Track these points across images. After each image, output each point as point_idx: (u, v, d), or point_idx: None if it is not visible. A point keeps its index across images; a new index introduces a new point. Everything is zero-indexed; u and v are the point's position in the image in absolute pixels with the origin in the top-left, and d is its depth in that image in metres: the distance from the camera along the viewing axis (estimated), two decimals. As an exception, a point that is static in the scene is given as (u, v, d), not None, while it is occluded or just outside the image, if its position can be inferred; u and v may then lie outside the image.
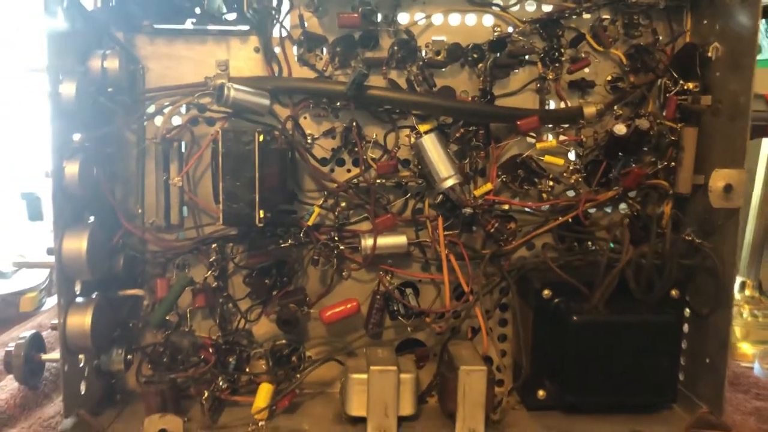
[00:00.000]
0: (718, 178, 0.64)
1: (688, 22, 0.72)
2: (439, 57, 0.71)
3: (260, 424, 0.68)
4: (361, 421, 0.67)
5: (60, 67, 0.62)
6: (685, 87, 0.70)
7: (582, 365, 0.68)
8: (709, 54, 0.69)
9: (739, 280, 1.02)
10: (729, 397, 0.75)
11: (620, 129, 0.69)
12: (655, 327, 0.68)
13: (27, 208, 1.24)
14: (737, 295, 1.01)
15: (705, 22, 0.70)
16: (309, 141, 0.72)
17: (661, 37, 0.73)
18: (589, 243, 0.74)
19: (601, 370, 0.68)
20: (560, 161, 0.73)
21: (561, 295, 0.69)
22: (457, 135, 0.73)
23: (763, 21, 0.80)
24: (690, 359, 0.73)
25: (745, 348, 0.92)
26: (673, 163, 0.72)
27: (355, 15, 0.69)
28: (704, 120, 0.70)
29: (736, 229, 0.65)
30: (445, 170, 0.69)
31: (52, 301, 1.08)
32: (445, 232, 0.73)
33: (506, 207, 0.74)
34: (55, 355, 0.66)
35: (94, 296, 0.67)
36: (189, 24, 0.71)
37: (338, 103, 0.71)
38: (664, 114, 0.71)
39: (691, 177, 0.70)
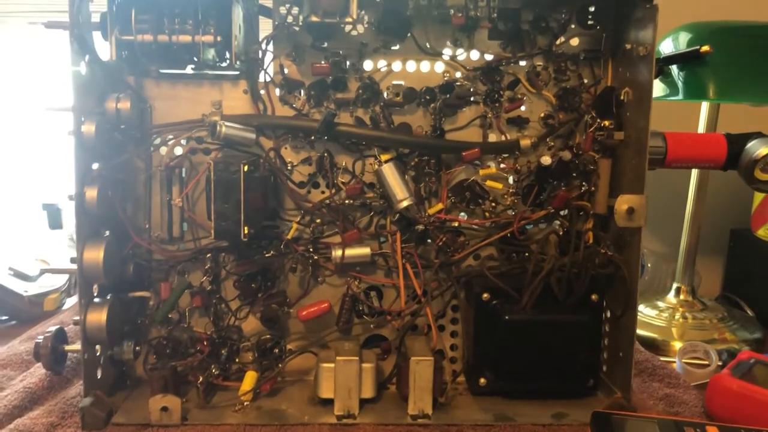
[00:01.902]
0: (623, 202, 0.76)
1: (608, 68, 0.83)
2: (398, 98, 0.82)
3: (246, 404, 0.78)
4: (330, 402, 0.78)
5: (82, 109, 0.73)
6: (603, 124, 0.82)
7: (514, 357, 0.80)
8: (622, 97, 0.80)
9: (675, 285, 1.14)
10: (645, 386, 0.87)
11: (546, 160, 0.82)
12: (573, 325, 0.80)
13: (48, 218, 1.36)
14: (673, 300, 1.13)
15: (620, 69, 0.82)
16: (289, 168, 0.84)
17: (586, 81, 0.84)
18: (526, 254, 0.85)
19: (530, 361, 0.80)
20: (500, 185, 0.84)
21: (497, 297, 0.80)
22: (413, 163, 0.84)
23: (676, 67, 0.93)
24: (609, 353, 0.85)
25: (678, 347, 1.03)
26: (594, 188, 0.84)
27: (326, 65, 0.81)
28: (618, 152, 0.81)
29: (638, 245, 0.77)
30: (401, 193, 0.81)
31: (71, 302, 1.18)
32: (402, 245, 0.84)
33: (455, 224, 0.85)
34: (76, 346, 0.77)
35: (108, 297, 0.77)
36: (189, 70, 0.82)
37: (313, 137, 0.83)
38: (583, 146, 0.83)
39: (606, 200, 0.81)
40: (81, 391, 0.77)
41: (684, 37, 0.95)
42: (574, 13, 0.83)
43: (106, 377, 0.79)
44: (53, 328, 0.79)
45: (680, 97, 0.93)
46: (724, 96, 0.91)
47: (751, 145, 0.79)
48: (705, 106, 1.05)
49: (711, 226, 1.17)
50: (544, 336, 0.80)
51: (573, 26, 0.83)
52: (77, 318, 0.75)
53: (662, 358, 0.97)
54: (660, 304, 1.13)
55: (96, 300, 0.77)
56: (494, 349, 0.81)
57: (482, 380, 0.82)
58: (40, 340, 0.78)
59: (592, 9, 0.82)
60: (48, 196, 1.37)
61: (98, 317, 0.75)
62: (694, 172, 1.08)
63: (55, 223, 1.35)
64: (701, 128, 1.06)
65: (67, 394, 0.81)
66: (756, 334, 1.07)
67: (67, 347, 0.80)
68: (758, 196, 1.19)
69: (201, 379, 0.80)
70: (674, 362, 0.96)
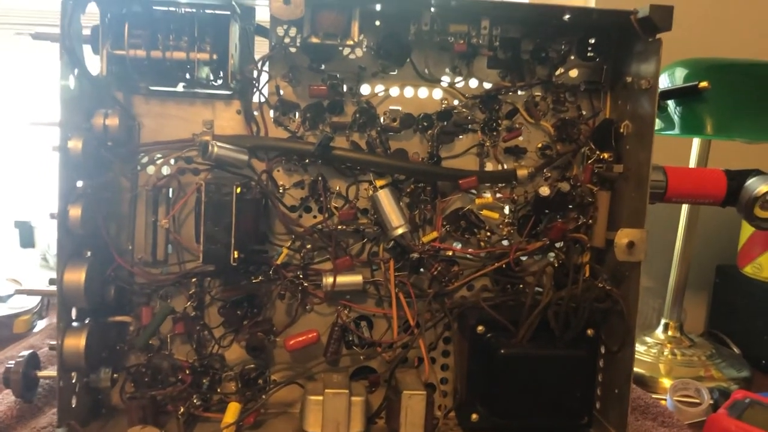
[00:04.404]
0: (623, 236, 0.75)
1: (607, 101, 0.83)
2: (395, 123, 0.81)
3: (228, 437, 0.76)
4: (317, 437, 0.75)
5: (69, 125, 0.70)
6: (602, 156, 0.81)
7: (508, 392, 0.77)
8: (622, 130, 0.79)
9: (663, 321, 1.14)
10: (639, 424, 0.86)
11: (544, 190, 0.80)
12: (570, 361, 0.78)
13: (19, 236, 1.31)
14: (661, 335, 1.12)
15: (619, 102, 0.81)
16: (281, 191, 0.81)
17: (584, 113, 0.84)
18: (521, 286, 0.84)
19: (525, 396, 0.77)
20: (496, 215, 0.83)
21: (492, 330, 0.78)
22: (409, 190, 0.82)
23: (672, 101, 0.93)
24: (604, 390, 0.83)
25: (666, 383, 1.01)
26: (591, 221, 0.83)
27: (324, 87, 0.79)
28: (617, 185, 0.81)
29: (638, 280, 0.76)
30: (396, 220, 0.79)
31: (42, 324, 1.13)
32: (396, 273, 0.82)
33: (450, 253, 0.83)
34: (50, 372, 0.74)
35: (87, 321, 0.74)
36: (180, 87, 0.79)
37: (307, 160, 0.81)
38: (582, 178, 0.82)
39: (604, 233, 0.81)
40: (53, 421, 0.73)
41: (680, 73, 0.96)
42: (574, 44, 0.82)
43: (80, 406, 0.76)
44: (26, 353, 0.76)
45: (677, 131, 0.94)
46: (721, 132, 0.91)
47: (751, 182, 0.78)
48: (696, 141, 1.05)
49: (697, 262, 1.17)
50: (540, 371, 0.78)
51: (572, 57, 0.83)
52: (53, 342, 0.72)
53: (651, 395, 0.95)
54: (648, 339, 1.12)
55: (74, 324, 0.74)
56: (488, 384, 0.78)
57: (474, 416, 0.80)
58: (11, 365, 0.74)
59: (592, 41, 0.82)
60: (20, 213, 1.32)
61: (76, 342, 0.72)
62: (684, 208, 1.08)
63: (27, 241, 1.31)
64: (692, 164, 1.06)
65: (38, 423, 0.77)
66: (743, 372, 1.06)
67: (40, 373, 0.76)
68: (745, 234, 1.19)
69: (181, 410, 0.77)
70: (664, 399, 0.95)
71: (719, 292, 1.28)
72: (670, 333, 1.12)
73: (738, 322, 1.20)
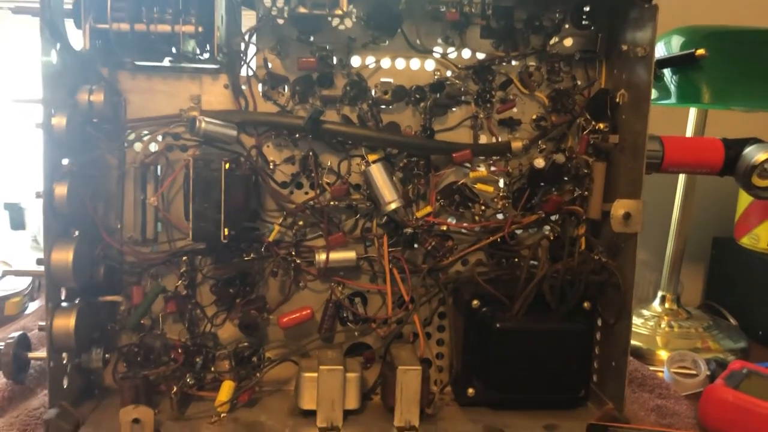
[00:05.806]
0: (619, 207, 0.74)
1: (602, 70, 0.82)
2: (387, 96, 0.80)
3: (222, 416, 0.75)
4: (312, 414, 0.75)
5: (53, 101, 0.69)
6: (597, 127, 0.80)
7: (504, 366, 0.77)
8: (618, 99, 0.78)
9: (659, 294, 1.13)
10: (636, 396, 0.86)
11: (539, 162, 0.79)
12: (567, 334, 0.77)
13: (9, 218, 1.30)
14: (658, 308, 1.12)
15: (615, 71, 0.80)
16: (271, 167, 0.80)
17: (579, 83, 0.82)
18: (516, 259, 0.83)
19: (521, 370, 0.77)
20: (490, 188, 0.82)
21: (487, 305, 0.77)
22: (402, 164, 0.81)
23: (669, 70, 0.91)
24: (600, 363, 0.82)
25: (663, 355, 1.01)
26: (587, 192, 0.82)
27: (313, 59, 0.77)
28: (612, 156, 0.80)
29: (634, 251, 0.75)
30: (389, 195, 0.78)
31: (34, 306, 1.12)
32: (390, 249, 0.81)
33: (444, 227, 0.82)
34: (41, 353, 0.73)
35: (77, 301, 0.73)
36: (166, 62, 0.77)
37: (297, 135, 0.79)
38: (577, 150, 0.81)
39: (600, 205, 0.80)
40: (45, 402, 0.72)
41: (677, 41, 0.94)
42: (568, 12, 0.81)
43: (72, 387, 0.75)
44: (16, 334, 0.75)
45: (673, 101, 0.92)
46: (719, 101, 0.90)
47: (748, 150, 0.77)
48: (693, 111, 1.04)
49: (694, 234, 1.16)
50: (536, 345, 0.77)
51: (567, 26, 0.81)
52: (43, 323, 0.71)
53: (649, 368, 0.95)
54: (645, 312, 1.12)
55: (64, 304, 0.73)
56: (484, 358, 0.78)
57: (471, 390, 0.79)
58: (2, 347, 0.73)
59: (586, 9, 0.80)
60: (10, 194, 1.30)
61: (66, 322, 0.71)
62: (681, 179, 1.07)
63: (18, 223, 1.29)
64: (689, 133, 1.05)
65: (29, 405, 0.77)
66: (740, 343, 1.06)
67: (31, 355, 0.75)
68: (742, 205, 1.18)
69: (175, 389, 0.76)
70: (661, 371, 0.95)
71: (716, 264, 1.27)
72: (666, 305, 1.11)
73: (735, 293, 1.20)
